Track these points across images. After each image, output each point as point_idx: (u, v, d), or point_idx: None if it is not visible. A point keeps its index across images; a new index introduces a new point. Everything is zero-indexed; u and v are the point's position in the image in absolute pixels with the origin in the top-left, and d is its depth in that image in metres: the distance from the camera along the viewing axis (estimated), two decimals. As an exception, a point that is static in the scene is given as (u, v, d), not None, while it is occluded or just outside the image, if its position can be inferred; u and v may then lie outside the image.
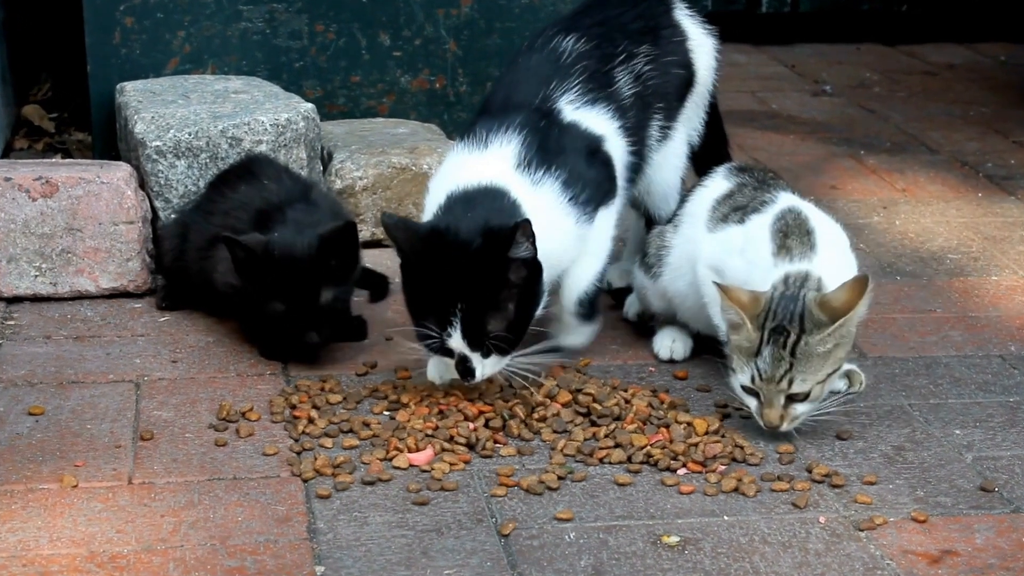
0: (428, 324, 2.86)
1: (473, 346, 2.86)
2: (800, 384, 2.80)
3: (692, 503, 2.66)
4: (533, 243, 2.86)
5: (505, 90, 3.19)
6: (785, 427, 2.83)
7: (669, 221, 3.29)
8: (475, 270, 2.85)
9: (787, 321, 2.79)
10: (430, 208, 3.00)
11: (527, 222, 2.84)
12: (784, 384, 2.80)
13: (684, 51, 3.38)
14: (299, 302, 3.10)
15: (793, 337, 2.78)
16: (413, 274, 2.90)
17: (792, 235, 2.94)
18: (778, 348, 2.79)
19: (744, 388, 2.85)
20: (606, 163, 3.16)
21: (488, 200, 2.95)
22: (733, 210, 3.08)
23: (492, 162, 3.02)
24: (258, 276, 3.11)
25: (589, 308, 3.16)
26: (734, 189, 3.14)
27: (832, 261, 2.93)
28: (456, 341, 2.85)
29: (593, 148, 3.14)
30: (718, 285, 2.85)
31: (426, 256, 2.87)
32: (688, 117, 3.42)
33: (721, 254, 3.03)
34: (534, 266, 2.90)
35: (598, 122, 3.16)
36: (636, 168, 3.28)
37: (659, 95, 3.30)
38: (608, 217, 3.16)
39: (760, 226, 2.99)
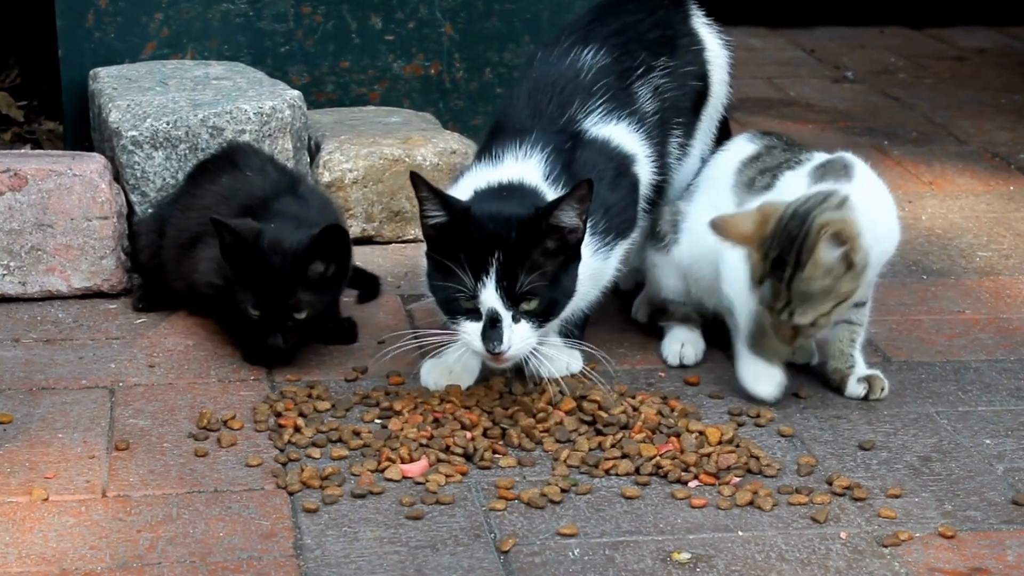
0: (459, 278, 2.83)
1: (507, 299, 2.84)
2: (799, 316, 2.89)
3: (704, 517, 2.66)
4: (584, 217, 2.86)
5: (522, 108, 3.18)
6: (797, 342, 2.98)
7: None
8: (515, 223, 2.85)
9: (786, 248, 2.87)
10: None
11: (590, 183, 2.85)
12: (785, 315, 2.90)
13: (701, 62, 3.39)
14: (271, 302, 3.11)
15: (789, 271, 2.87)
16: (448, 233, 2.87)
17: (829, 172, 3.00)
18: (776, 282, 2.88)
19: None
20: (632, 187, 3.18)
21: (524, 193, 2.97)
22: (760, 172, 3.11)
23: (517, 173, 3.03)
24: (240, 265, 3.11)
25: (579, 332, 3.18)
26: (762, 151, 3.18)
27: (866, 188, 2.98)
28: (489, 292, 2.84)
29: (622, 169, 3.15)
30: (712, 223, 2.93)
31: (467, 213, 2.86)
32: (704, 132, 3.44)
33: None
34: (576, 248, 2.90)
35: (628, 140, 3.18)
36: (659, 191, 3.29)
37: (677, 110, 3.32)
38: (623, 249, 3.18)
39: (796, 178, 3.04)
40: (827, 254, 2.84)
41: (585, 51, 3.22)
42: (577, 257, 2.93)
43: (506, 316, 2.85)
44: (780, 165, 3.10)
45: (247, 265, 3.11)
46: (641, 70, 3.26)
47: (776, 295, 2.89)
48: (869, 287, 3.04)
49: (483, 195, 2.97)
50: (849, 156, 3.07)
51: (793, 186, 3.02)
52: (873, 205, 2.97)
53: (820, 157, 3.09)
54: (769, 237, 2.89)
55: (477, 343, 2.87)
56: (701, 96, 3.40)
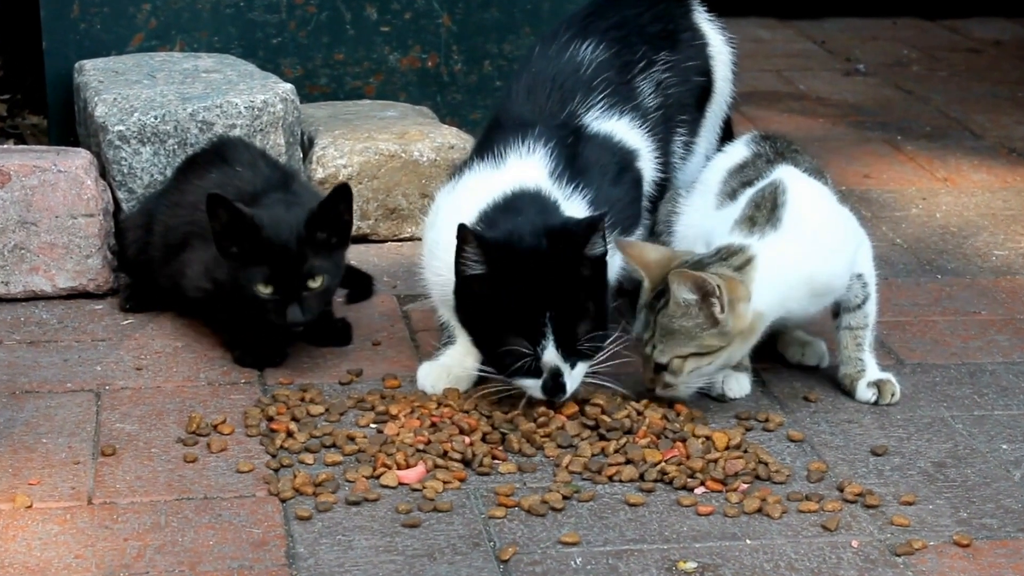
0: (517, 344, 2.86)
1: (568, 355, 2.88)
2: (659, 354, 2.94)
3: (711, 525, 2.66)
4: (605, 239, 2.90)
5: (521, 104, 3.20)
6: (658, 391, 2.99)
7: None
8: (557, 274, 2.87)
9: (667, 289, 2.94)
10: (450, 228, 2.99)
11: (604, 216, 2.89)
12: (649, 349, 2.96)
13: (704, 57, 3.41)
14: (285, 273, 3.09)
15: (660, 305, 2.94)
16: (493, 292, 2.88)
17: (762, 207, 3.01)
18: (649, 313, 2.95)
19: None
20: (636, 183, 3.19)
21: (530, 204, 2.97)
22: (741, 185, 3.12)
23: (521, 173, 3.04)
24: (242, 242, 3.09)
25: None
26: (749, 160, 3.19)
27: (790, 245, 2.97)
28: (550, 353, 2.87)
29: (624, 164, 3.17)
30: (619, 243, 3.02)
31: (507, 267, 2.87)
32: (708, 130, 3.45)
33: (718, 229, 3.07)
34: (603, 262, 2.93)
35: (631, 135, 3.19)
36: (662, 190, 3.30)
37: (681, 106, 3.33)
38: None
39: (746, 197, 3.06)
40: (680, 294, 2.89)
41: (584, 45, 3.23)
42: (606, 278, 2.96)
43: (566, 369, 2.90)
44: (753, 181, 3.11)
45: (251, 241, 3.09)
46: (642, 64, 3.27)
47: (646, 325, 2.96)
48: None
49: (494, 217, 2.96)
50: (787, 186, 3.04)
51: (743, 200, 3.06)
52: (789, 265, 2.97)
53: (775, 174, 3.08)
54: (665, 274, 2.94)
55: (537, 393, 2.92)
56: (705, 92, 3.41)
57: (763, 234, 2.98)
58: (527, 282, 2.87)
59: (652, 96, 3.27)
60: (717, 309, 2.89)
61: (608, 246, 2.92)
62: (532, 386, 2.91)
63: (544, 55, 3.26)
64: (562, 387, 2.89)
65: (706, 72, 3.41)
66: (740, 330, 2.92)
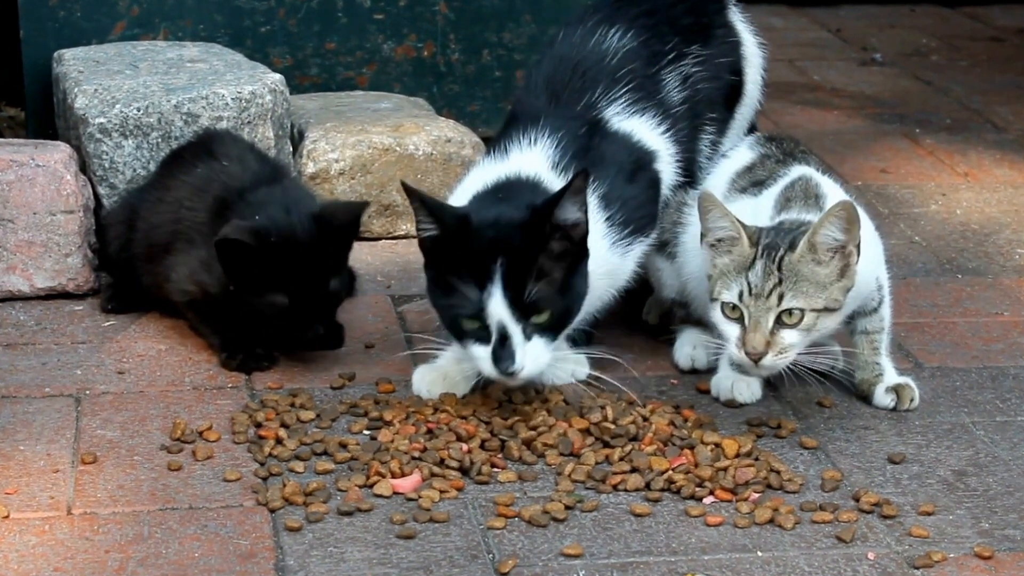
0: (462, 292, 2.87)
1: (515, 309, 2.86)
2: (791, 299, 2.87)
3: (720, 536, 2.66)
4: (585, 209, 2.89)
5: (538, 93, 3.21)
6: (769, 359, 2.89)
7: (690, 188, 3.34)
8: (516, 227, 2.88)
9: (780, 238, 2.90)
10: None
11: (586, 172, 2.87)
12: (774, 299, 2.88)
13: (737, 56, 3.43)
14: (307, 291, 3.13)
15: (782, 251, 2.88)
16: (444, 246, 2.90)
17: (796, 199, 3.02)
18: (769, 262, 2.88)
19: (726, 313, 2.92)
20: (652, 183, 3.20)
21: (523, 188, 2.99)
22: (752, 184, 3.13)
23: (522, 163, 3.06)
24: (254, 269, 3.11)
25: (584, 335, 3.19)
26: (756, 161, 3.21)
27: None
28: (495, 303, 2.85)
29: (641, 163, 3.17)
30: (706, 195, 2.94)
31: (464, 226, 2.89)
32: (736, 132, 3.45)
33: None
34: (581, 244, 2.92)
35: (651, 135, 3.20)
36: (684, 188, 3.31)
37: (709, 103, 3.34)
38: (642, 250, 3.20)
39: (769, 197, 3.06)
40: (830, 231, 2.87)
41: (612, 31, 3.23)
42: (585, 255, 2.95)
43: (516, 331, 2.87)
44: (765, 180, 3.12)
45: (264, 267, 3.11)
46: (672, 56, 3.28)
47: (766, 273, 2.89)
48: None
49: (480, 199, 3.00)
50: (817, 177, 3.06)
51: (766, 200, 3.06)
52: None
53: (794, 172, 3.10)
54: (757, 233, 2.92)
55: (488, 366, 2.90)
56: (735, 91, 3.42)
57: (814, 215, 2.97)
58: (481, 233, 2.88)
59: (679, 90, 3.27)
60: (854, 258, 2.89)
61: (624, 240, 2.92)
62: (483, 356, 2.89)
63: (568, 41, 3.27)
64: (511, 353, 2.86)
65: (738, 71, 3.42)
66: (854, 279, 2.93)
